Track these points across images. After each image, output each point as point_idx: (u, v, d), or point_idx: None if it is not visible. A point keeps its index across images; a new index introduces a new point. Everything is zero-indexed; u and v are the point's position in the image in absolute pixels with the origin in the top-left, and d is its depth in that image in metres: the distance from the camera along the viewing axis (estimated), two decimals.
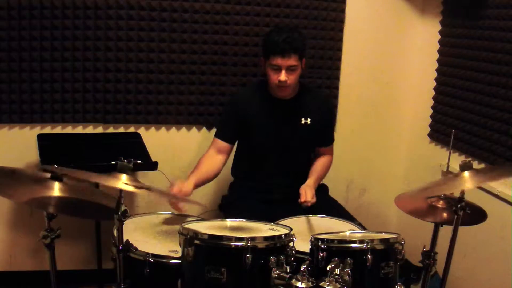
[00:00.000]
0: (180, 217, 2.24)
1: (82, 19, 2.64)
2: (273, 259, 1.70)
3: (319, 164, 2.63)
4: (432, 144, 3.04)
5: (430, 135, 3.05)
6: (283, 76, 2.34)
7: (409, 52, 3.15)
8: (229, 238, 1.70)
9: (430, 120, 3.04)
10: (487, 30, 2.55)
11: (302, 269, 1.66)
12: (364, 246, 1.74)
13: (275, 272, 1.69)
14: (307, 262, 1.69)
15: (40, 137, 2.61)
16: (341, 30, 3.02)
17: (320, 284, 1.65)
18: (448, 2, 2.87)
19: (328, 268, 1.67)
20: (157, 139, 2.88)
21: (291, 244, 1.78)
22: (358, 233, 2.03)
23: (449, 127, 2.79)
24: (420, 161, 3.13)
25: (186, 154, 2.93)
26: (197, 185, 2.35)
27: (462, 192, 1.90)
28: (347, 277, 1.65)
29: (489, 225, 2.12)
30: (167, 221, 2.22)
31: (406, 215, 2.12)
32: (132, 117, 2.83)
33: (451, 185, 1.95)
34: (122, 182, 1.64)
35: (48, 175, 1.79)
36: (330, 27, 2.98)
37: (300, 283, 1.64)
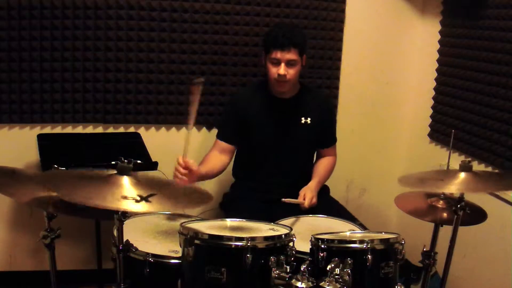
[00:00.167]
0: (180, 217, 2.24)
1: (82, 19, 2.64)
2: (273, 259, 1.70)
3: (322, 166, 2.63)
4: (432, 144, 3.04)
5: (430, 135, 3.05)
6: (282, 69, 2.34)
7: (409, 52, 3.15)
8: (229, 238, 1.70)
9: (430, 120, 3.04)
10: (487, 30, 2.55)
11: (302, 269, 1.66)
12: (364, 246, 1.74)
13: (275, 272, 1.69)
14: (307, 262, 1.69)
15: (40, 137, 2.61)
16: (341, 30, 3.02)
17: (320, 284, 1.65)
18: (448, 2, 2.87)
19: (328, 268, 1.67)
20: (157, 139, 2.88)
21: (291, 244, 1.78)
22: (358, 233, 2.03)
23: (449, 127, 2.79)
24: (420, 161, 3.13)
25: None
26: (203, 175, 2.34)
27: (462, 192, 1.90)
28: (347, 277, 1.65)
29: (489, 225, 2.12)
30: (167, 221, 2.22)
31: (406, 215, 2.12)
32: (132, 117, 2.83)
33: (449, 183, 1.93)
34: (121, 195, 1.58)
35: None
36: (330, 27, 2.98)
37: (300, 283, 1.64)
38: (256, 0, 2.83)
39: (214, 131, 2.87)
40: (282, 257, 1.72)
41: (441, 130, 2.94)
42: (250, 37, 2.87)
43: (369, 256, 1.72)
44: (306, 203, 2.31)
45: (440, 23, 2.93)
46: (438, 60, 2.97)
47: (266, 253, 1.70)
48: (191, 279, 1.76)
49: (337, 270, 1.67)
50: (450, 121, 2.83)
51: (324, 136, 2.63)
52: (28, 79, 2.65)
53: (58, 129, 2.77)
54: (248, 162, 2.61)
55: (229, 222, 1.97)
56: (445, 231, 2.03)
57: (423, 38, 3.10)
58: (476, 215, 2.08)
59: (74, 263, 2.90)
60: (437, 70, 2.97)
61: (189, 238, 1.72)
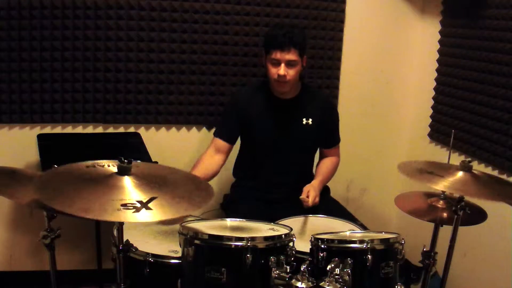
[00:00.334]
0: (180, 217, 2.24)
1: (82, 19, 2.64)
2: (273, 259, 1.70)
3: (324, 166, 2.62)
4: (432, 144, 3.04)
5: (430, 135, 3.05)
6: (282, 70, 2.34)
7: (409, 52, 3.15)
8: (229, 238, 1.70)
9: (430, 120, 3.04)
10: (487, 30, 2.55)
11: (302, 269, 1.66)
12: (364, 246, 1.74)
13: (275, 272, 1.69)
14: (307, 262, 1.69)
15: (40, 137, 2.61)
16: (341, 30, 3.02)
17: (320, 284, 1.65)
18: (448, 2, 2.87)
19: (328, 268, 1.67)
20: (157, 139, 2.89)
21: (291, 244, 1.78)
22: (358, 233, 2.03)
23: (449, 127, 2.79)
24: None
25: (186, 154, 2.93)
26: None
27: (462, 195, 1.90)
28: (347, 277, 1.65)
29: (489, 225, 2.12)
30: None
31: (406, 215, 2.12)
32: (132, 117, 2.84)
33: (448, 182, 1.92)
34: (121, 204, 1.52)
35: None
36: (330, 27, 2.98)
37: (300, 283, 1.64)
38: (256, 0, 2.83)
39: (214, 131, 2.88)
40: (282, 257, 1.72)
41: (441, 130, 2.94)
42: (250, 37, 2.87)
43: (369, 256, 1.73)
44: (310, 201, 2.30)
45: (440, 23, 2.93)
46: (438, 60, 2.97)
47: (266, 253, 1.70)
48: (191, 279, 1.76)
49: (337, 270, 1.67)
50: (450, 121, 2.83)
51: (326, 137, 2.63)
52: (28, 79, 2.65)
53: (58, 129, 2.77)
54: (248, 162, 2.61)
55: (229, 222, 1.97)
56: (445, 231, 2.03)
57: (423, 38, 3.10)
58: (476, 215, 2.08)
59: (74, 263, 2.90)
60: (437, 70, 2.97)
61: (189, 238, 1.72)
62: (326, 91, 3.03)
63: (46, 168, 2.24)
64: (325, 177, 2.56)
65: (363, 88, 3.16)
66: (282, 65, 2.34)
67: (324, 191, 2.61)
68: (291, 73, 2.36)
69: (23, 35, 2.59)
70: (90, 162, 1.77)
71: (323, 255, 1.75)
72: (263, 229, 1.89)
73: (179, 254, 1.81)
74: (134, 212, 1.49)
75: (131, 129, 2.87)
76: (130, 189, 1.59)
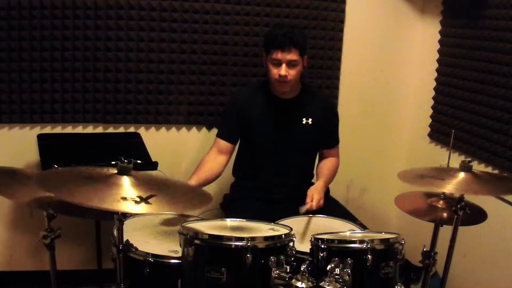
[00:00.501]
0: (180, 217, 2.24)
1: (82, 19, 2.64)
2: (273, 259, 1.70)
3: (326, 167, 2.60)
4: (432, 144, 3.04)
5: (430, 135, 3.05)
6: (283, 70, 2.33)
7: (409, 52, 3.15)
8: (229, 238, 1.70)
9: (430, 120, 3.04)
10: (487, 30, 2.55)
11: (302, 269, 1.66)
12: (364, 246, 1.74)
13: (275, 272, 1.69)
14: (307, 262, 1.69)
15: (40, 137, 2.61)
16: (341, 30, 3.02)
17: (320, 284, 1.65)
18: (448, 2, 2.87)
19: (328, 268, 1.67)
20: (157, 139, 2.89)
21: (291, 244, 1.78)
22: (358, 233, 2.03)
23: (449, 127, 2.78)
24: (420, 161, 3.13)
25: (186, 154, 2.93)
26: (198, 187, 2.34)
27: (462, 194, 1.90)
28: (347, 277, 1.65)
29: (489, 225, 2.12)
30: (167, 221, 2.22)
31: (406, 215, 2.12)
32: (132, 117, 2.83)
33: (449, 183, 1.92)
34: (121, 197, 1.56)
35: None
36: (330, 27, 2.98)
37: (300, 283, 1.64)
38: (256, 0, 2.83)
39: (214, 131, 2.87)
40: (282, 257, 1.72)
41: (441, 130, 2.94)
42: (250, 37, 2.87)
43: (369, 256, 1.72)
44: (314, 205, 2.30)
45: (440, 23, 2.93)
46: (438, 60, 2.97)
47: (266, 253, 1.70)
48: (191, 279, 1.76)
49: (337, 270, 1.66)
50: (450, 121, 2.83)
51: (326, 137, 2.62)
52: (28, 79, 2.65)
53: (58, 129, 2.77)
54: (248, 162, 2.61)
55: (229, 222, 1.97)
56: (445, 231, 2.03)
57: (423, 38, 3.10)
58: (476, 215, 2.08)
59: (74, 263, 2.90)
60: (437, 70, 2.97)
61: (189, 238, 1.72)
62: (326, 91, 3.03)
63: (46, 168, 2.25)
64: (328, 179, 2.54)
65: (363, 88, 3.16)
66: (283, 65, 2.34)
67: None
68: (292, 73, 2.36)
69: (23, 35, 2.59)
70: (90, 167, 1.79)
71: (323, 255, 1.75)
72: (263, 229, 1.89)
73: (179, 254, 1.81)
74: (134, 204, 1.52)
75: (131, 129, 2.87)
76: (129, 187, 1.61)
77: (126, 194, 1.57)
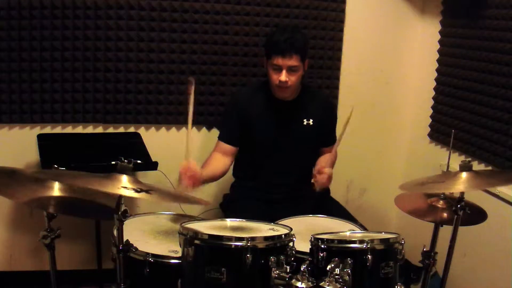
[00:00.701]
0: (180, 217, 2.24)
1: (82, 19, 2.64)
2: (273, 259, 1.70)
3: (325, 158, 2.54)
4: (432, 144, 3.04)
5: (430, 135, 3.05)
6: (283, 76, 2.33)
7: (409, 52, 3.15)
8: (229, 238, 1.70)
9: (430, 120, 3.04)
10: (487, 30, 2.55)
11: (302, 269, 1.66)
12: (364, 246, 1.74)
13: (275, 272, 1.69)
14: (307, 262, 1.69)
15: (40, 137, 2.61)
16: (341, 30, 3.02)
17: (320, 284, 1.65)
18: (448, 2, 2.87)
19: (328, 268, 1.67)
20: (157, 139, 2.88)
21: (291, 244, 1.78)
22: (358, 233, 2.03)
23: (449, 127, 2.78)
24: (420, 161, 3.13)
25: None
26: (205, 180, 2.33)
27: (462, 192, 1.90)
28: (347, 277, 1.65)
29: (489, 225, 2.12)
30: (167, 221, 2.22)
31: (406, 215, 2.12)
32: (132, 117, 2.84)
33: (450, 184, 1.93)
34: (121, 186, 1.61)
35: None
36: (330, 27, 2.98)
37: (300, 283, 1.64)
38: (256, 0, 2.83)
39: (214, 131, 2.89)
40: (282, 257, 1.72)
41: (441, 130, 2.94)
42: (250, 37, 2.87)
43: (369, 256, 1.72)
44: (326, 174, 2.28)
45: (440, 23, 2.93)
46: (438, 60, 2.97)
47: (266, 253, 1.70)
48: (191, 279, 1.76)
49: (337, 270, 1.67)
50: (450, 121, 2.83)
51: (326, 137, 2.63)
52: (28, 79, 2.65)
53: (58, 129, 2.77)
54: (249, 162, 2.61)
55: (229, 222, 1.97)
56: (445, 231, 2.03)
57: (423, 38, 3.10)
58: (476, 215, 2.08)
59: (74, 263, 2.90)
60: (437, 70, 2.97)
61: (189, 238, 1.72)
62: (326, 91, 3.03)
63: (46, 168, 2.25)
64: (330, 165, 2.49)
65: (363, 88, 3.15)
66: (284, 71, 2.32)
67: (324, 191, 2.61)
68: (292, 79, 2.35)
69: (23, 35, 2.59)
70: None
71: (323, 255, 1.75)
72: (263, 229, 1.89)
73: (179, 254, 1.81)
74: (135, 192, 1.57)
75: (131, 129, 2.87)
76: (129, 184, 1.64)
77: (126, 186, 1.61)
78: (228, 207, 2.66)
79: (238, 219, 1.98)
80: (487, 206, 2.13)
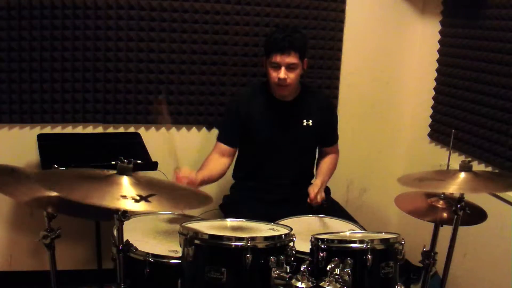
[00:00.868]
0: (180, 217, 2.24)
1: (82, 19, 2.64)
2: (273, 259, 1.70)
3: (325, 165, 2.61)
4: (432, 144, 3.04)
5: (430, 135, 3.05)
6: (282, 73, 2.34)
7: (409, 52, 3.15)
8: (229, 238, 1.70)
9: (430, 120, 3.04)
10: (487, 30, 2.55)
11: (302, 269, 1.66)
12: (364, 246, 1.74)
13: (275, 272, 1.69)
14: (307, 262, 1.69)
15: (40, 137, 2.61)
16: (341, 30, 3.02)
17: (320, 284, 1.65)
18: (448, 2, 2.87)
19: (328, 268, 1.67)
20: (157, 139, 2.88)
21: (291, 244, 1.78)
22: (358, 233, 2.03)
23: (449, 127, 2.78)
24: (420, 161, 3.13)
25: (186, 154, 2.92)
26: (202, 182, 2.34)
27: (462, 192, 1.90)
28: (347, 277, 1.65)
29: (489, 225, 2.12)
30: (167, 221, 2.22)
31: (406, 215, 2.12)
32: (132, 117, 2.83)
33: (449, 183, 1.93)
34: (121, 195, 1.57)
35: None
36: (330, 27, 2.98)
37: (300, 283, 1.64)
38: (256, 0, 2.83)
39: (214, 131, 2.88)
40: (282, 257, 1.72)
41: (441, 130, 2.94)
42: (250, 37, 2.87)
43: (369, 256, 1.73)
44: (319, 198, 2.31)
45: (440, 23, 2.93)
46: (438, 60, 2.97)
47: (266, 253, 1.70)
48: (191, 279, 1.76)
49: (337, 270, 1.67)
50: (450, 121, 2.83)
51: (326, 136, 2.63)
52: (28, 79, 2.65)
53: (58, 129, 2.77)
54: (249, 163, 2.61)
55: (229, 222, 1.97)
56: (445, 231, 2.03)
57: (423, 38, 3.10)
58: (476, 215, 2.08)
59: (74, 263, 2.90)
60: (437, 70, 2.97)
61: (189, 238, 1.72)
62: (326, 91, 3.03)
63: (46, 168, 2.25)
64: (326, 177, 2.55)
65: (363, 88, 3.15)
66: (283, 68, 2.33)
67: (324, 191, 2.61)
68: (291, 76, 2.36)
69: (23, 35, 2.59)
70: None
71: (323, 255, 1.75)
72: (263, 229, 1.89)
73: (179, 254, 1.81)
74: (133, 202, 1.53)
75: (131, 129, 2.87)
76: (129, 186, 1.61)
77: (125, 192, 1.58)
78: (228, 207, 2.66)
79: (238, 219, 1.98)
80: (487, 206, 2.13)
